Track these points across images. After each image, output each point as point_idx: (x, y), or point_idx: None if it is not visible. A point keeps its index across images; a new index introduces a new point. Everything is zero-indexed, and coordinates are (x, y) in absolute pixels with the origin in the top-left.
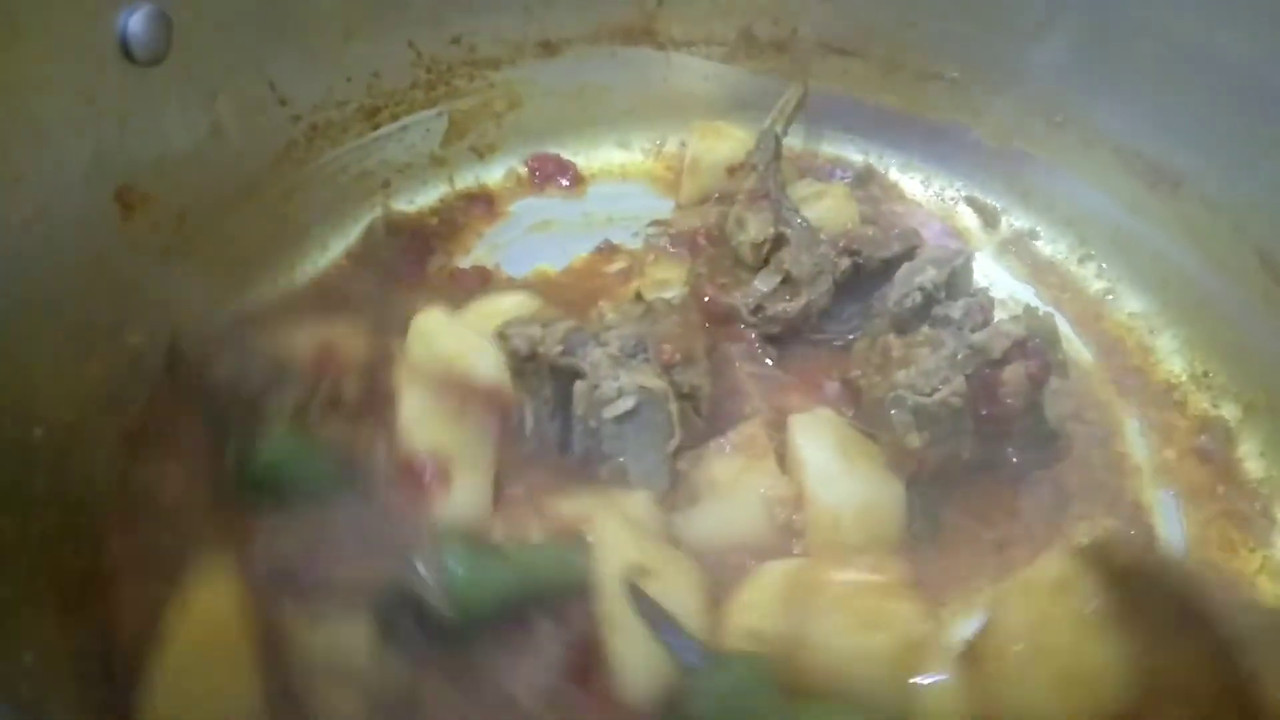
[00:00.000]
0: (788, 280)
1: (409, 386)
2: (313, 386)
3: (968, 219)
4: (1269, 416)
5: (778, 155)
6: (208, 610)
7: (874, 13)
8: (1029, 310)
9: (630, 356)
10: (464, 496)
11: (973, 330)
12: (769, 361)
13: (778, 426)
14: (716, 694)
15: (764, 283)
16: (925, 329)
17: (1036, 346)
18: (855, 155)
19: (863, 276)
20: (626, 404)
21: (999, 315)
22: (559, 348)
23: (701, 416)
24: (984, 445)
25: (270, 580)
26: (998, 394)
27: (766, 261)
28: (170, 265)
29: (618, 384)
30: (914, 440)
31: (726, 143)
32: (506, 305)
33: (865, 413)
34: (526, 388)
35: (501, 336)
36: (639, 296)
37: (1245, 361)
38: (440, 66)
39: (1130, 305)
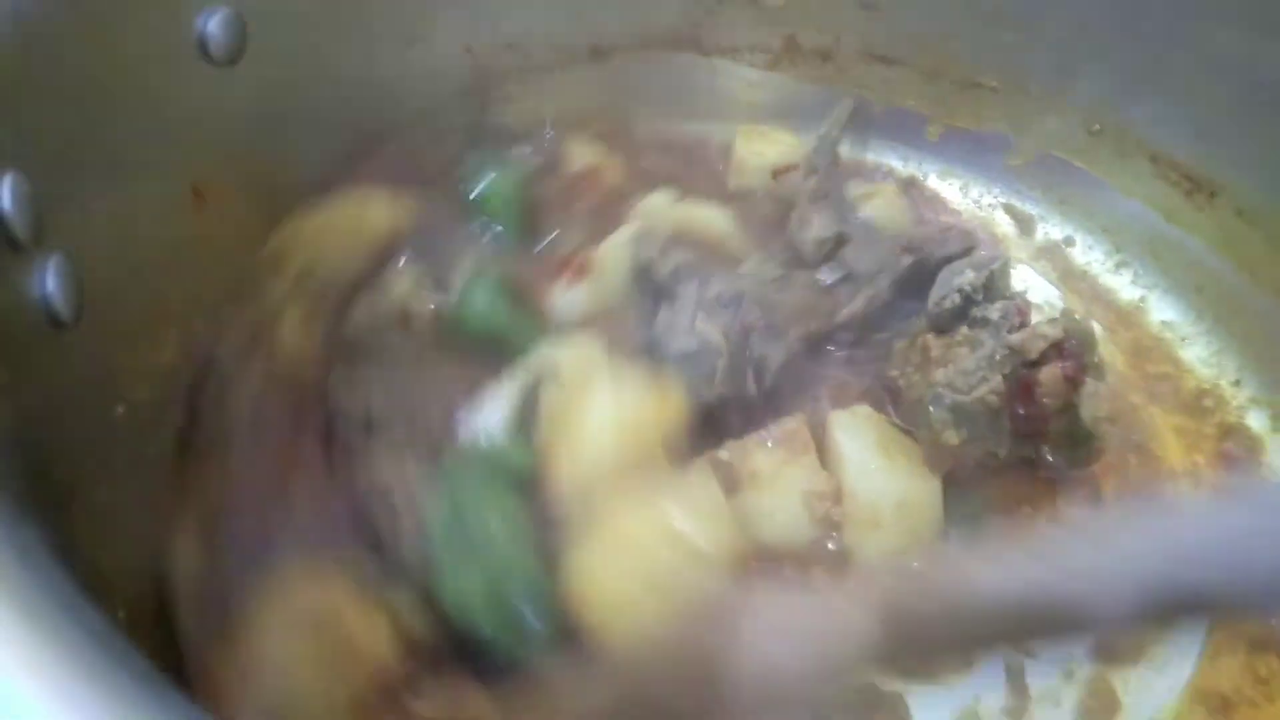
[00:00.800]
0: (848, 278)
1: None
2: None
3: (1004, 225)
4: None
5: (836, 159)
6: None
7: (916, 23)
8: (1066, 313)
9: (723, 307)
10: (578, 299)
11: (1010, 331)
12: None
13: (820, 422)
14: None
15: (826, 276)
16: (964, 329)
17: (1073, 349)
18: (896, 162)
19: (923, 275)
20: (686, 345)
21: (1035, 318)
22: (666, 271)
23: (759, 391)
24: (1020, 444)
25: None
26: (1034, 394)
27: (827, 259)
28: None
29: (688, 324)
30: (951, 437)
31: (773, 146)
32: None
33: (904, 411)
34: (637, 290)
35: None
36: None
37: (1277, 371)
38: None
39: (1163, 313)
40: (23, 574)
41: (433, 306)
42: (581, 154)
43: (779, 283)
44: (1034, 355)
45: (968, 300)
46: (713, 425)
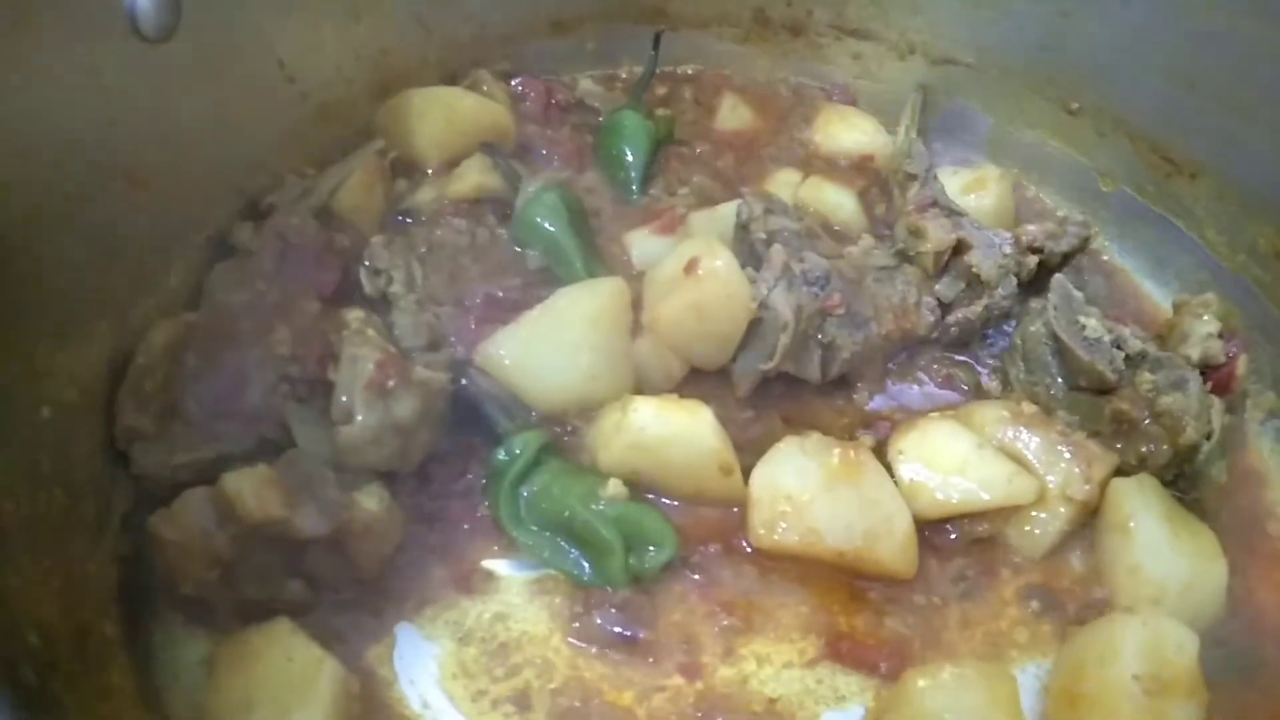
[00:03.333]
0: (972, 284)
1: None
2: None
3: None
4: None
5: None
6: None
7: None
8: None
9: (806, 283)
10: (655, 249)
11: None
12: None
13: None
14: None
15: (948, 289)
16: (1147, 374)
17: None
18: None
19: (1043, 274)
20: (753, 310)
21: None
22: (763, 235)
23: (825, 374)
24: None
25: None
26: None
27: (946, 270)
28: (174, 242)
29: (765, 291)
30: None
31: (851, 132)
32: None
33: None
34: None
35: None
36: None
37: None
38: (451, 45)
39: None
40: None
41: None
42: (733, 115)
43: (882, 272)
44: (1223, 359)
45: (1132, 360)
46: (769, 395)
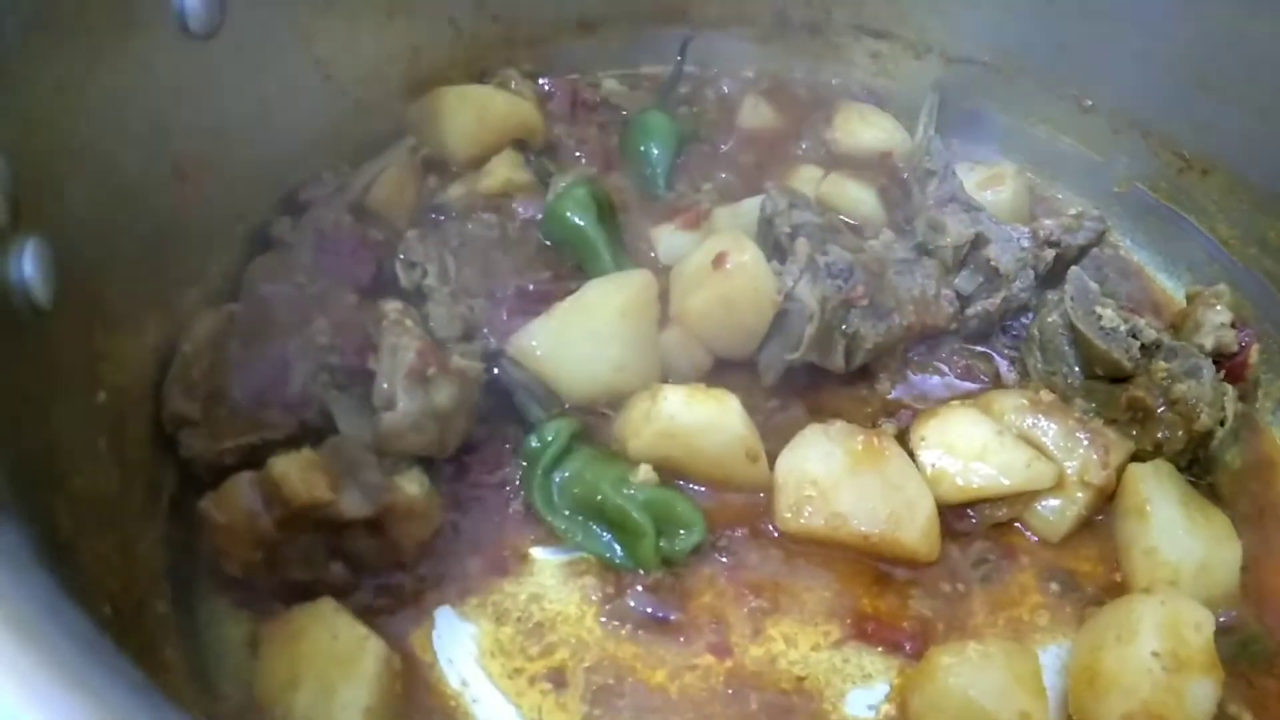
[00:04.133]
0: (991, 278)
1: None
2: None
3: None
4: None
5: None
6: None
7: None
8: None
9: (830, 276)
10: (680, 244)
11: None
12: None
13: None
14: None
15: (967, 283)
16: (1162, 363)
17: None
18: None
19: (1060, 267)
20: (778, 303)
21: None
22: (788, 229)
23: (849, 364)
24: None
25: None
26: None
27: (964, 264)
28: (216, 235)
29: (791, 286)
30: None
31: (870, 130)
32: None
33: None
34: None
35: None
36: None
37: None
38: (480, 44)
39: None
40: (4, 579)
41: (532, 198)
42: (755, 113)
43: (903, 265)
44: (1236, 347)
45: (1147, 349)
46: (794, 384)
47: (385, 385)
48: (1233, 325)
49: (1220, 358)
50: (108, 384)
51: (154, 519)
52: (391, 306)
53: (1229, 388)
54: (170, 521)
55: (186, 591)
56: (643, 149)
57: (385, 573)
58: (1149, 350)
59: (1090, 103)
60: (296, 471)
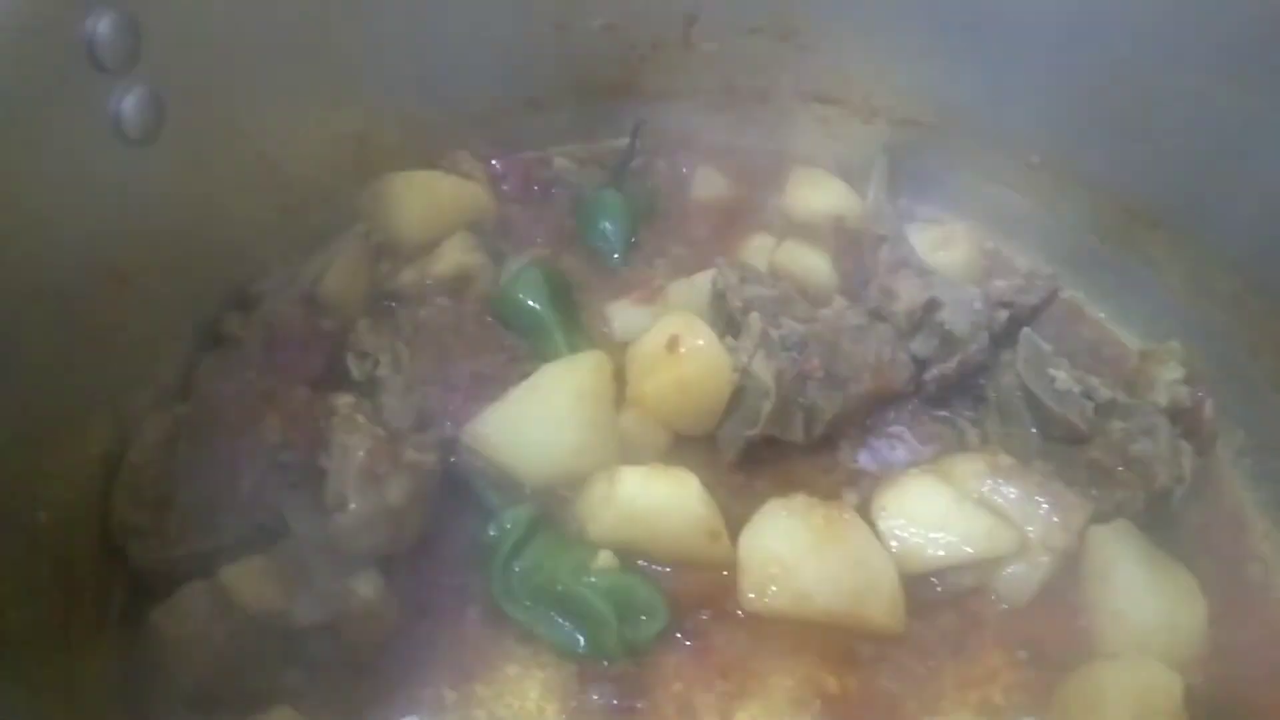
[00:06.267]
0: (945, 341)
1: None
2: None
3: None
4: None
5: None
6: None
7: (850, 63)
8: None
9: (785, 349)
10: (637, 320)
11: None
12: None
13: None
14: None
15: (923, 347)
16: (1118, 422)
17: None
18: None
19: (1014, 327)
20: (734, 381)
21: None
22: (740, 304)
23: (809, 435)
24: None
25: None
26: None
27: (919, 328)
28: (163, 335)
29: (746, 361)
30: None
31: (824, 195)
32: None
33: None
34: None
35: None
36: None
37: None
38: (429, 127)
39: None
40: None
41: (484, 282)
42: (707, 184)
43: (857, 332)
44: (1189, 404)
45: (1102, 409)
46: (756, 458)
47: (337, 485)
48: (1186, 381)
49: (1176, 414)
50: (49, 501)
51: (103, 634)
52: (343, 402)
53: (1185, 445)
54: (121, 633)
55: (140, 706)
56: (598, 226)
57: (343, 676)
58: (1104, 410)
59: (1036, 159)
60: (248, 580)
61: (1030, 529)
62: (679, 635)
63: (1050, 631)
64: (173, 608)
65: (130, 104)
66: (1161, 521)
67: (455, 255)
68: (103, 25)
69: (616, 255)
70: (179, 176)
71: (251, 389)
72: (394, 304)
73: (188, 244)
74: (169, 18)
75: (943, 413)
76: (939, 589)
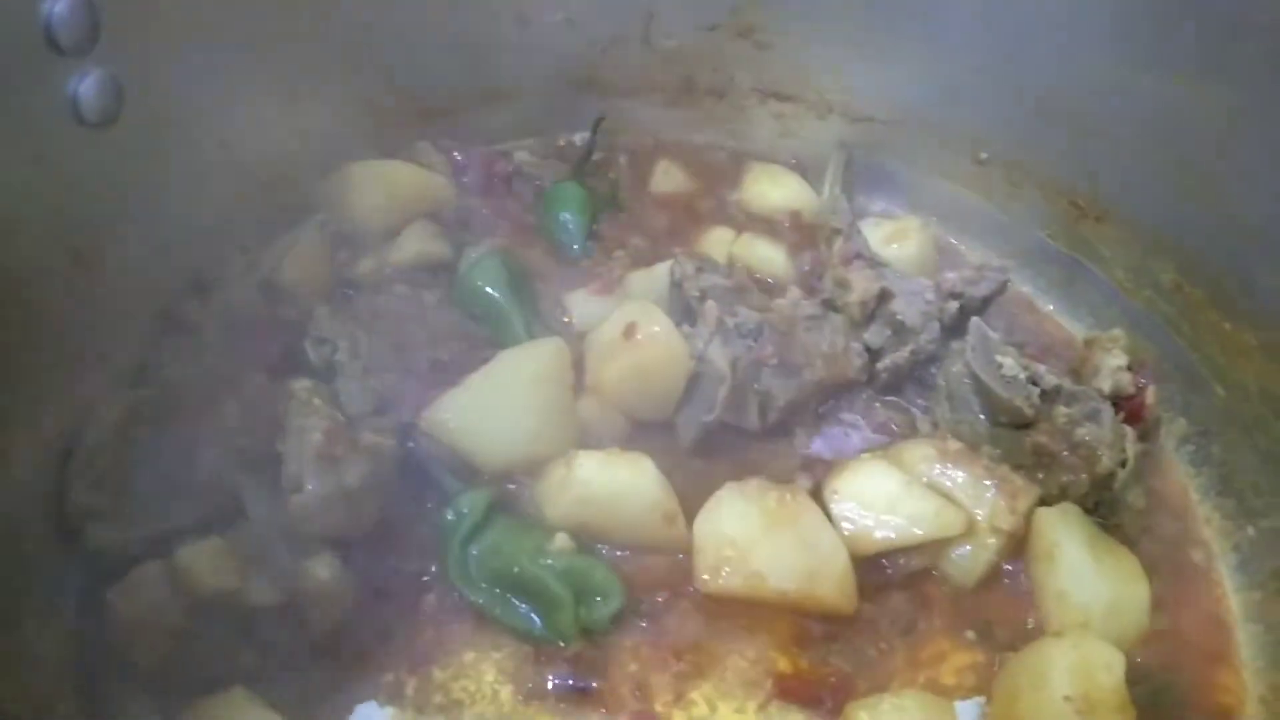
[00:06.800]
0: (897, 331)
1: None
2: None
3: None
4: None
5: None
6: None
7: (806, 61)
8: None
9: (740, 336)
10: (595, 310)
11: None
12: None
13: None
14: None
15: (875, 337)
16: (1063, 408)
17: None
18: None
19: (964, 317)
20: (691, 367)
21: None
22: (696, 293)
23: (764, 421)
24: None
25: None
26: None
27: (873, 319)
28: (121, 320)
29: (702, 348)
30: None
31: (780, 190)
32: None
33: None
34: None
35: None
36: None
37: None
38: (389, 118)
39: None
40: None
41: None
42: (667, 178)
43: (811, 322)
44: (1132, 389)
45: (1047, 395)
46: (713, 444)
47: (293, 467)
48: (1129, 368)
49: (1119, 400)
50: (3, 482)
51: (58, 615)
52: (300, 386)
53: (1128, 429)
54: (76, 615)
55: (94, 687)
56: (558, 218)
57: (299, 658)
58: (1049, 396)
59: (985, 155)
60: (203, 560)
61: (978, 511)
62: (635, 617)
63: (997, 612)
64: (128, 587)
65: (88, 87)
66: (1106, 506)
67: (415, 244)
68: (60, 6)
69: (576, 247)
70: (137, 161)
71: (209, 374)
72: (353, 292)
73: (146, 229)
74: (128, 1)
75: (895, 400)
76: (889, 570)
